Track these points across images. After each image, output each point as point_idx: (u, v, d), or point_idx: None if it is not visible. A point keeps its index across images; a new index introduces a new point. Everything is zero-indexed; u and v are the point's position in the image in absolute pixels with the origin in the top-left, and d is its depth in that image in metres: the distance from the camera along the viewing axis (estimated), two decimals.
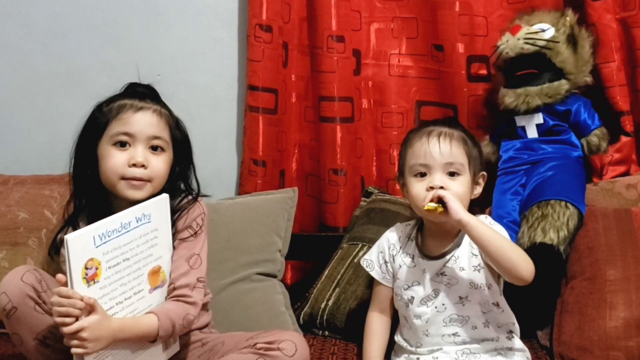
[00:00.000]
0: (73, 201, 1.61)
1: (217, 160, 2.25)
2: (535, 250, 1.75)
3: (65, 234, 1.56)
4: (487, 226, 1.47)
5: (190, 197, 1.61)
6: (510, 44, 1.93)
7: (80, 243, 1.30)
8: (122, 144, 1.53)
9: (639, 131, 2.01)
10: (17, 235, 1.91)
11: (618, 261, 1.71)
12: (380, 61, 2.17)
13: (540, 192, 1.87)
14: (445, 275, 1.54)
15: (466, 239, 1.54)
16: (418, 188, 1.51)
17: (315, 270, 2.07)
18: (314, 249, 2.09)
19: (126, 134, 1.52)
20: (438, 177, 1.49)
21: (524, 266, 1.44)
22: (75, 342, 1.30)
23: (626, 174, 2.00)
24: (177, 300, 1.51)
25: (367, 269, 1.66)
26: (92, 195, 1.57)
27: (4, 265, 1.87)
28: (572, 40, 1.95)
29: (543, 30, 1.93)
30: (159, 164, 1.55)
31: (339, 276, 1.90)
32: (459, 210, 1.44)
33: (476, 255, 1.53)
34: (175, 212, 1.57)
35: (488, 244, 1.44)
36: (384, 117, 2.18)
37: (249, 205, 1.99)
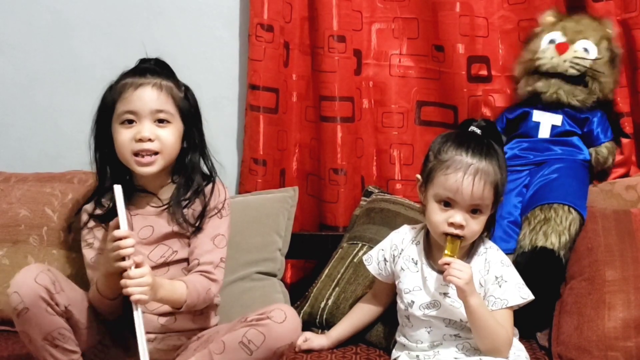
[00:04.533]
0: (97, 180, 1.66)
1: (217, 159, 2.24)
2: (535, 254, 1.76)
3: (88, 208, 1.65)
4: (486, 311, 1.48)
5: (212, 181, 1.67)
6: (555, 62, 1.91)
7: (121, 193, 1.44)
8: (129, 122, 1.57)
9: (639, 133, 2.02)
10: (18, 232, 1.91)
11: (617, 262, 1.71)
12: (381, 61, 2.17)
13: (543, 194, 1.86)
14: (449, 297, 1.55)
15: (475, 267, 1.54)
16: (439, 218, 1.52)
17: (315, 269, 2.07)
18: (314, 248, 2.09)
19: (130, 112, 1.57)
20: (460, 216, 1.50)
21: (501, 355, 1.48)
22: (142, 288, 1.39)
23: (626, 175, 2.00)
24: (201, 274, 1.56)
25: (366, 263, 1.71)
26: (114, 173, 1.62)
27: (5, 262, 1.88)
28: (612, 58, 1.94)
29: (587, 51, 1.91)
30: (167, 135, 1.59)
31: (338, 275, 1.90)
32: (466, 296, 1.46)
33: (482, 286, 1.54)
34: (200, 192, 1.63)
35: (479, 329, 1.49)
36: (385, 117, 2.18)
37: (249, 205, 1.99)
